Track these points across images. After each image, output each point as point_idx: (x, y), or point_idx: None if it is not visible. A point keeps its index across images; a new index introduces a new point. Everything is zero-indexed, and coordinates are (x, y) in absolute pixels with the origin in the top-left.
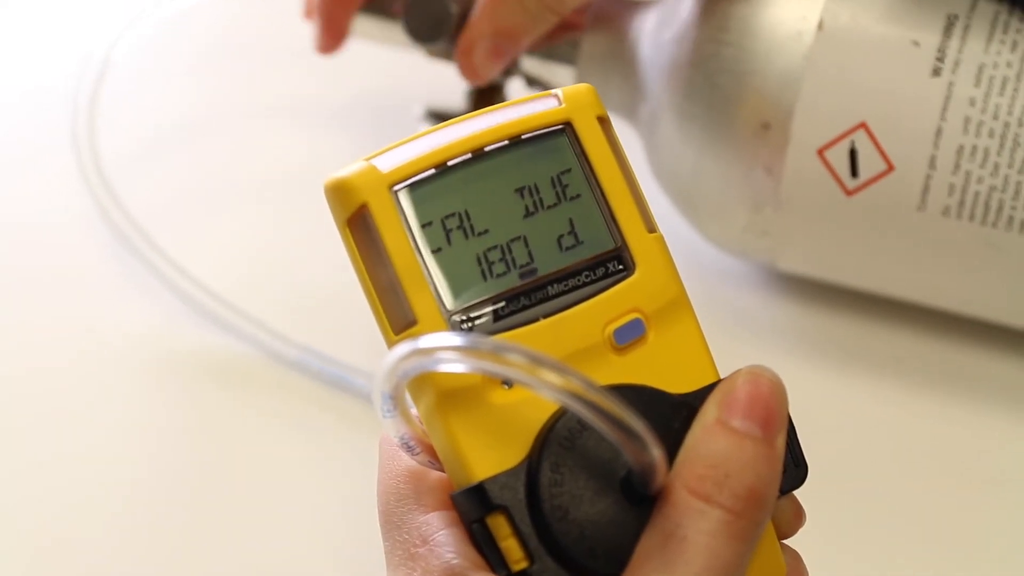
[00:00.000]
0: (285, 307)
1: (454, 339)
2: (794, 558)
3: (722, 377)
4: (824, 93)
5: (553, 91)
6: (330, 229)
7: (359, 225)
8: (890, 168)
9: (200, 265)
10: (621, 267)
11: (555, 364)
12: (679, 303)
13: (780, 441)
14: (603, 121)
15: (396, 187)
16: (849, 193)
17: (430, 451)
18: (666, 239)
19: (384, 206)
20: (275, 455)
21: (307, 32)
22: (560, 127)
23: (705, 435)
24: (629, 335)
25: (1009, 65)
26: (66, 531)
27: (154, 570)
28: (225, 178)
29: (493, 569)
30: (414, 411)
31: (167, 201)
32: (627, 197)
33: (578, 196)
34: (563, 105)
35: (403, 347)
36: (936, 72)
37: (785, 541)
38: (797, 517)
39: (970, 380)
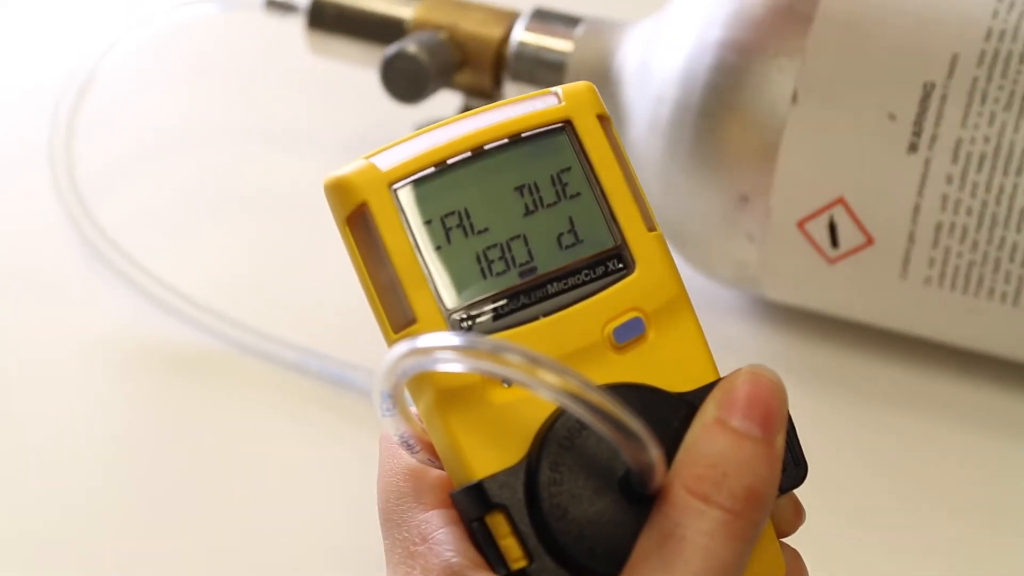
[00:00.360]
0: (275, 313)
1: (452, 339)
2: (793, 557)
3: (722, 376)
4: (801, 167)
5: (553, 89)
6: (312, 238)
7: (358, 223)
8: (870, 241)
9: (182, 274)
10: (621, 266)
11: (553, 364)
12: (679, 302)
13: (779, 441)
14: (603, 119)
15: (396, 185)
16: (831, 261)
17: (430, 449)
18: None
19: (384, 204)
20: (274, 455)
21: (295, 56)
22: (560, 125)
23: (704, 434)
24: (629, 334)
25: (987, 140)
26: (66, 532)
27: (154, 571)
28: (206, 193)
29: (492, 568)
30: (413, 409)
31: (148, 211)
32: (627, 195)
33: (578, 194)
34: (563, 103)
35: (402, 346)
36: (913, 148)
37: (784, 539)
38: (797, 516)
39: (960, 408)
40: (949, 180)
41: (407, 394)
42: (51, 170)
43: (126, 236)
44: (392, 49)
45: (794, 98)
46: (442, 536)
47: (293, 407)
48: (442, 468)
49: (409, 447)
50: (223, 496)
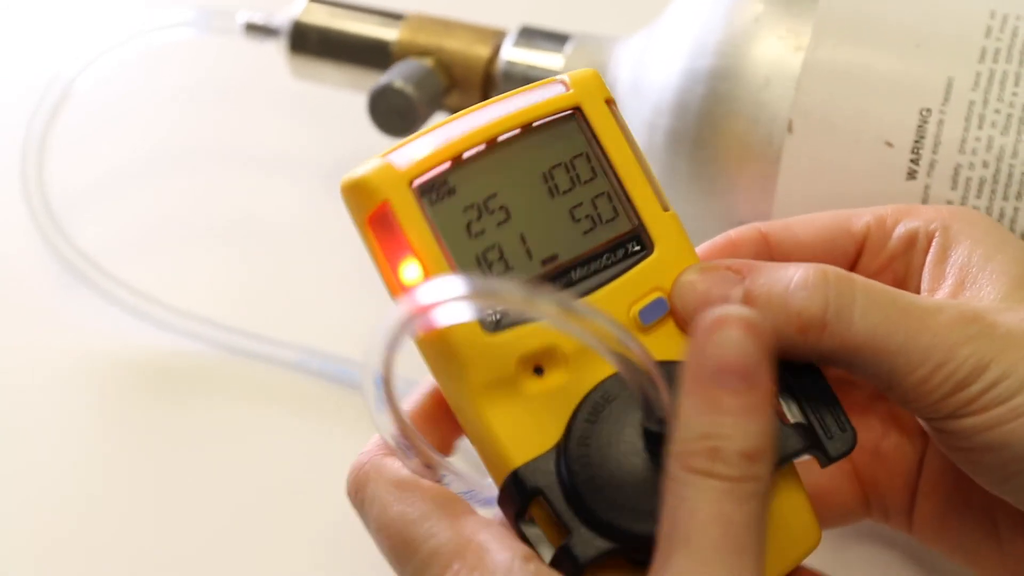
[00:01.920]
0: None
1: (450, 286)
2: None
3: None
4: (798, 197)
5: (559, 77)
6: (297, 259)
7: (380, 223)
8: None
9: (159, 290)
10: (640, 247)
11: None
12: None
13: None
14: (610, 103)
15: (415, 182)
16: None
17: (422, 454)
18: None
19: (405, 202)
20: (276, 456)
21: (279, 77)
22: (570, 112)
23: (688, 407)
24: (654, 314)
25: (986, 165)
26: (70, 534)
27: (156, 571)
28: (184, 215)
29: (537, 552)
30: (405, 407)
31: (124, 233)
32: (640, 177)
33: (593, 179)
34: (571, 90)
35: (402, 304)
36: (911, 175)
37: None
38: (854, 487)
39: None
40: (949, 205)
41: (403, 393)
42: (23, 189)
43: (104, 257)
44: (378, 83)
45: (789, 127)
46: (487, 537)
47: (293, 409)
48: (433, 477)
49: (404, 451)
50: (223, 497)
